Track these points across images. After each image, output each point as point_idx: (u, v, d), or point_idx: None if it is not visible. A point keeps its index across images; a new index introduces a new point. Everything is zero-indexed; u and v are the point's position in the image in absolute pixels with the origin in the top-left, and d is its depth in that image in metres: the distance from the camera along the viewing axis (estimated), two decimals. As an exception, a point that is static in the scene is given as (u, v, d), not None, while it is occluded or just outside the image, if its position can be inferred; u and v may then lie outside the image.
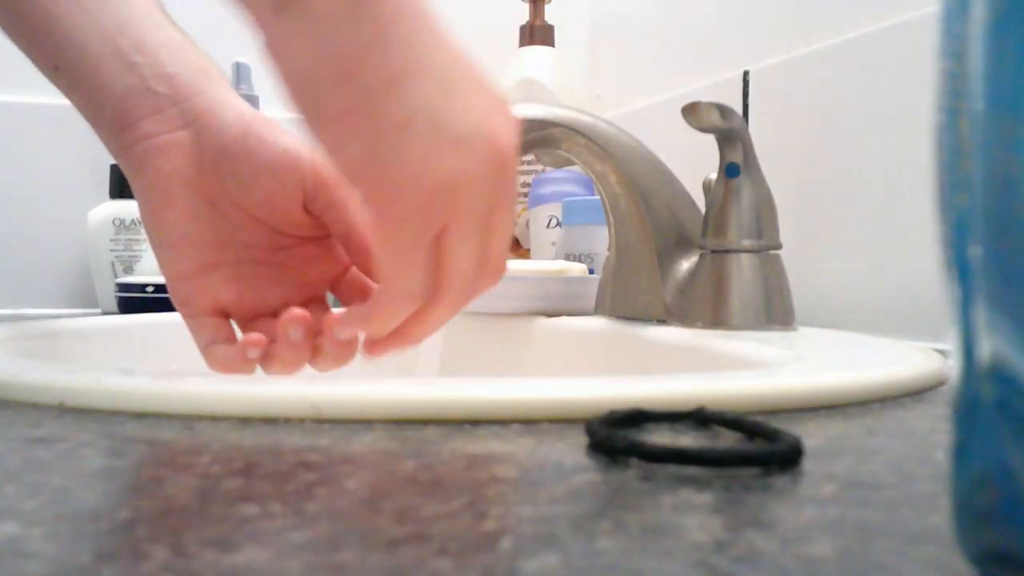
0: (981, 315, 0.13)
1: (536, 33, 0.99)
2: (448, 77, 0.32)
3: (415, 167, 0.31)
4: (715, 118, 0.53)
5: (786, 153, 0.65)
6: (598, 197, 0.61)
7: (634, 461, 0.23)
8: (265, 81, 0.35)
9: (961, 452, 0.14)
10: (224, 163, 0.39)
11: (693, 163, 0.59)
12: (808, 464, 0.23)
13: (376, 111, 0.31)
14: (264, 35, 0.31)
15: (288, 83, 0.31)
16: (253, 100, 0.85)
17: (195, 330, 0.42)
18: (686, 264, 0.57)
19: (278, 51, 0.31)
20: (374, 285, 0.42)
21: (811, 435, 0.26)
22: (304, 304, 0.41)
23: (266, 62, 0.32)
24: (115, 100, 0.40)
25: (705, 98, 0.53)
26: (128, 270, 0.87)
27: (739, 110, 0.68)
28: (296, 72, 0.31)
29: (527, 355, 0.65)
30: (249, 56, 0.83)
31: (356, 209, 0.41)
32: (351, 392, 0.28)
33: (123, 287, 0.78)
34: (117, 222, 0.87)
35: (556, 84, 0.97)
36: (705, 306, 0.54)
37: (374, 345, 0.38)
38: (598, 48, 1.06)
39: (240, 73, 0.87)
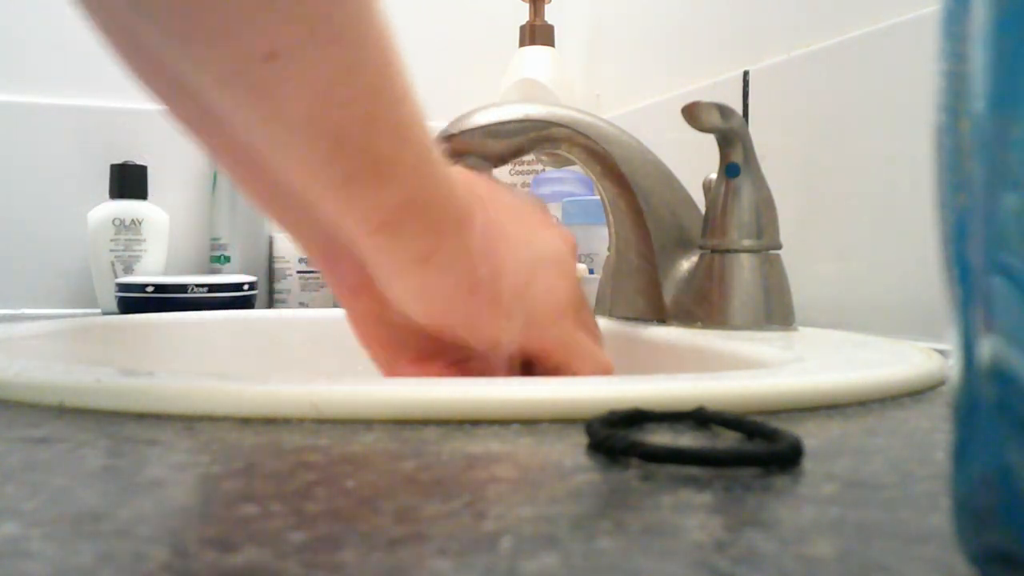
0: (981, 315, 0.13)
1: (536, 33, 0.99)
2: (526, 238, 0.42)
3: (549, 299, 0.42)
4: (715, 118, 0.53)
5: (786, 153, 0.65)
6: (598, 197, 0.61)
7: (634, 461, 0.23)
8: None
9: (961, 452, 0.14)
10: None
11: (693, 163, 0.59)
12: (808, 464, 0.23)
13: (502, 296, 0.40)
14: (409, 282, 0.38)
15: (431, 310, 0.39)
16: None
17: None
18: (686, 264, 0.57)
19: (422, 293, 0.39)
20: None
21: (811, 435, 0.26)
22: None
23: (406, 303, 0.39)
24: None
25: (705, 98, 0.53)
26: (128, 270, 0.87)
27: (739, 110, 0.68)
28: (440, 300, 0.39)
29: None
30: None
31: None
32: (351, 392, 0.28)
33: (123, 287, 0.78)
34: (117, 222, 0.87)
35: (556, 84, 0.97)
36: (705, 306, 0.54)
37: None
38: (598, 48, 1.06)
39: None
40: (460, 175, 0.40)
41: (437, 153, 0.38)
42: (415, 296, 0.39)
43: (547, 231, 0.44)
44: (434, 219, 0.38)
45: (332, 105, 0.33)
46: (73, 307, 0.92)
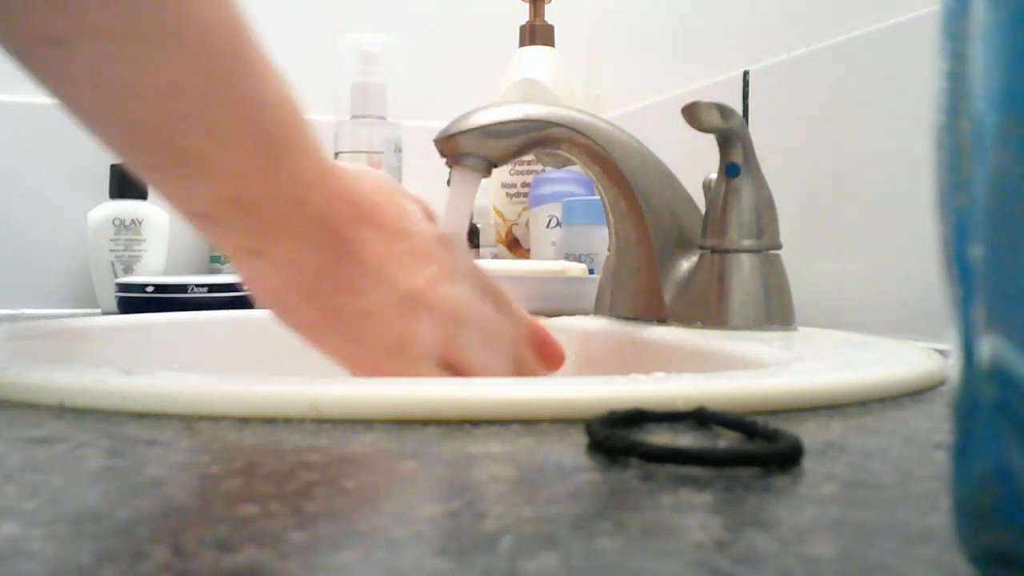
0: (981, 315, 0.13)
1: (536, 33, 0.99)
2: (387, 267, 0.40)
3: (384, 333, 0.40)
4: (715, 118, 0.53)
5: (786, 153, 0.65)
6: (598, 197, 0.61)
7: (634, 461, 0.23)
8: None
9: (961, 452, 0.14)
10: None
11: (693, 163, 0.59)
12: (808, 464, 0.23)
13: (342, 312, 0.39)
14: (242, 269, 0.39)
15: (265, 302, 0.40)
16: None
17: None
18: (686, 264, 0.57)
19: (254, 281, 0.39)
20: None
21: (811, 435, 0.26)
22: None
23: (244, 285, 0.40)
24: None
25: (705, 98, 0.53)
26: (128, 270, 0.87)
27: (739, 110, 0.68)
28: (271, 295, 0.39)
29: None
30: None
31: None
32: (351, 392, 0.28)
33: (123, 287, 0.78)
34: (117, 222, 0.87)
35: (556, 84, 0.97)
36: (705, 306, 0.54)
37: None
38: (598, 48, 1.06)
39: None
40: (341, 190, 0.39)
41: (291, 157, 0.37)
42: (249, 283, 0.40)
43: (419, 264, 0.41)
44: (266, 221, 0.37)
45: (126, 96, 0.33)
46: (73, 307, 0.92)
